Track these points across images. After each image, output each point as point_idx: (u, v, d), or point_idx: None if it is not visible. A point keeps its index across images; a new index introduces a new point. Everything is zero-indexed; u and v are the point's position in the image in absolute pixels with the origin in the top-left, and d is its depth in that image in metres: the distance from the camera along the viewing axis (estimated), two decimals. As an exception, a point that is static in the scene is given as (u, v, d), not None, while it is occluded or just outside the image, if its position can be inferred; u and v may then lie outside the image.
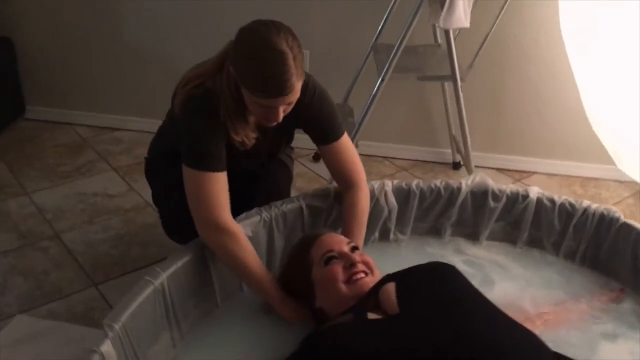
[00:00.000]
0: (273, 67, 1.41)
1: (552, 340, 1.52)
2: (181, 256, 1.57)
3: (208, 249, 1.60)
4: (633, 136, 2.22)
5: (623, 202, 2.68)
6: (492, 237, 1.95)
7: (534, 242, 1.92)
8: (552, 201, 1.87)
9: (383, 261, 1.70)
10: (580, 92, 2.46)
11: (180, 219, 1.83)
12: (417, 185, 1.91)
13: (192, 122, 1.56)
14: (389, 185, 1.88)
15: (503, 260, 1.86)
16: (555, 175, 2.85)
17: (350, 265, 1.49)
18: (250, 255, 1.57)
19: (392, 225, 1.92)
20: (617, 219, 1.79)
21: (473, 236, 1.96)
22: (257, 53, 1.42)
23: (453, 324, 1.30)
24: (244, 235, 1.58)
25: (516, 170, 2.86)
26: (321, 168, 2.77)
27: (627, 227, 1.77)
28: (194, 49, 2.77)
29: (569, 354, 1.36)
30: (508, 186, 1.92)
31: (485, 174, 2.48)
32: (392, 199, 1.88)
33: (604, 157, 2.78)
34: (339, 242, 1.56)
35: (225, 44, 1.56)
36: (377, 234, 1.91)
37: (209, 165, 1.54)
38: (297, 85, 1.46)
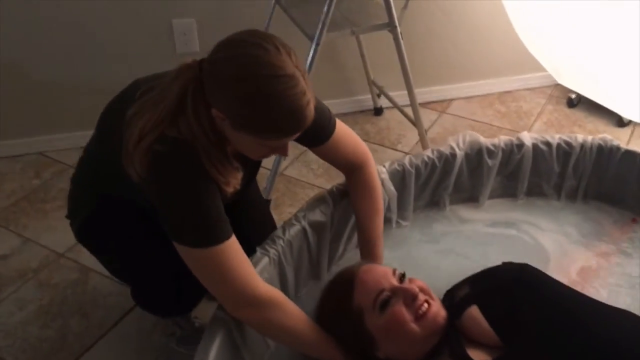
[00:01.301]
0: (290, 101, 1.05)
1: (610, 297, 1.46)
2: (209, 344, 1.21)
3: (232, 321, 1.26)
4: (572, 53, 2.15)
5: (545, 111, 2.67)
6: (491, 195, 1.80)
7: (533, 189, 1.80)
8: (548, 144, 1.74)
9: (397, 254, 1.55)
10: (511, 16, 2.33)
11: (160, 290, 1.45)
12: (411, 163, 1.67)
13: (176, 189, 1.14)
14: (384, 172, 1.62)
15: (521, 217, 1.73)
16: (473, 97, 2.76)
17: (412, 300, 1.23)
18: (303, 321, 1.26)
19: (394, 214, 1.68)
20: (618, 148, 1.72)
21: (472, 200, 1.79)
22: (266, 89, 1.04)
23: (574, 340, 1.13)
24: (285, 296, 1.25)
25: (436, 102, 2.72)
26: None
27: (629, 154, 1.71)
28: (34, 44, 2.21)
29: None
30: (500, 138, 1.75)
31: (408, 111, 2.31)
32: (390, 186, 1.63)
33: (512, 68, 2.75)
34: (385, 276, 1.27)
35: (174, 74, 1.14)
36: (379, 228, 1.66)
37: (219, 235, 1.15)
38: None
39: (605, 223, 1.70)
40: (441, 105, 2.71)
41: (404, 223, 1.71)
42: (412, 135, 2.48)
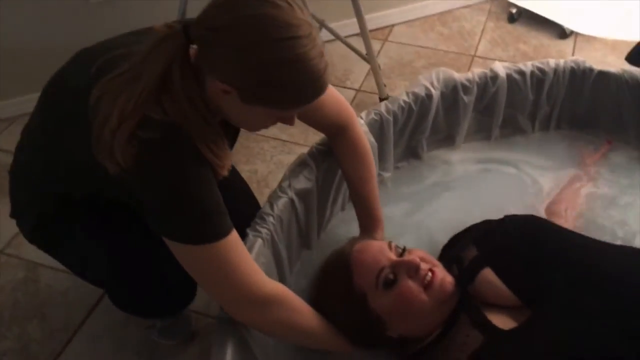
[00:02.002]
0: (310, 66, 0.92)
1: (598, 228, 1.43)
2: (224, 348, 1.08)
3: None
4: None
5: (487, 29, 2.59)
6: (466, 132, 1.72)
7: (507, 121, 1.73)
8: (521, 73, 1.66)
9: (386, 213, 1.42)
10: None
11: (138, 288, 1.28)
12: (388, 110, 1.55)
13: (174, 181, 0.97)
14: (362, 124, 1.49)
15: (502, 156, 1.67)
16: (414, 21, 2.63)
17: (415, 271, 1.15)
18: (311, 317, 1.15)
19: (376, 167, 1.56)
20: (591, 70, 1.66)
21: (449, 139, 1.70)
22: (287, 55, 0.90)
23: (594, 287, 1.09)
24: (289, 290, 1.13)
25: (376, 29, 2.57)
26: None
27: (603, 75, 1.66)
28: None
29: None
30: (473, 72, 1.64)
31: (351, 42, 2.17)
32: (370, 138, 1.50)
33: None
34: (382, 251, 1.18)
35: (150, 45, 0.95)
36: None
37: (221, 229, 1.01)
38: None
39: (586, 151, 1.67)
40: (382, 32, 2.57)
41: (385, 174, 1.61)
42: (360, 69, 2.34)
